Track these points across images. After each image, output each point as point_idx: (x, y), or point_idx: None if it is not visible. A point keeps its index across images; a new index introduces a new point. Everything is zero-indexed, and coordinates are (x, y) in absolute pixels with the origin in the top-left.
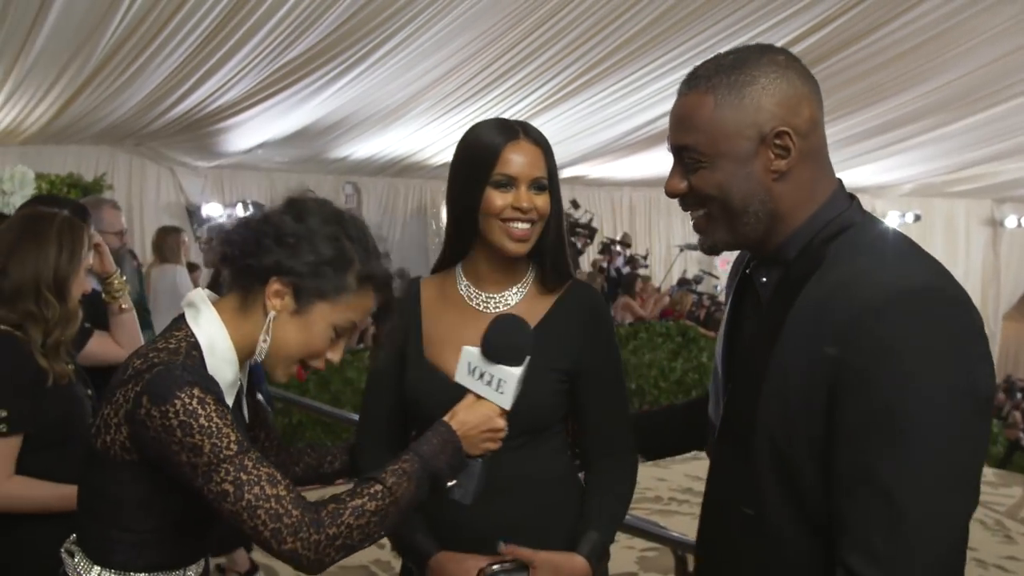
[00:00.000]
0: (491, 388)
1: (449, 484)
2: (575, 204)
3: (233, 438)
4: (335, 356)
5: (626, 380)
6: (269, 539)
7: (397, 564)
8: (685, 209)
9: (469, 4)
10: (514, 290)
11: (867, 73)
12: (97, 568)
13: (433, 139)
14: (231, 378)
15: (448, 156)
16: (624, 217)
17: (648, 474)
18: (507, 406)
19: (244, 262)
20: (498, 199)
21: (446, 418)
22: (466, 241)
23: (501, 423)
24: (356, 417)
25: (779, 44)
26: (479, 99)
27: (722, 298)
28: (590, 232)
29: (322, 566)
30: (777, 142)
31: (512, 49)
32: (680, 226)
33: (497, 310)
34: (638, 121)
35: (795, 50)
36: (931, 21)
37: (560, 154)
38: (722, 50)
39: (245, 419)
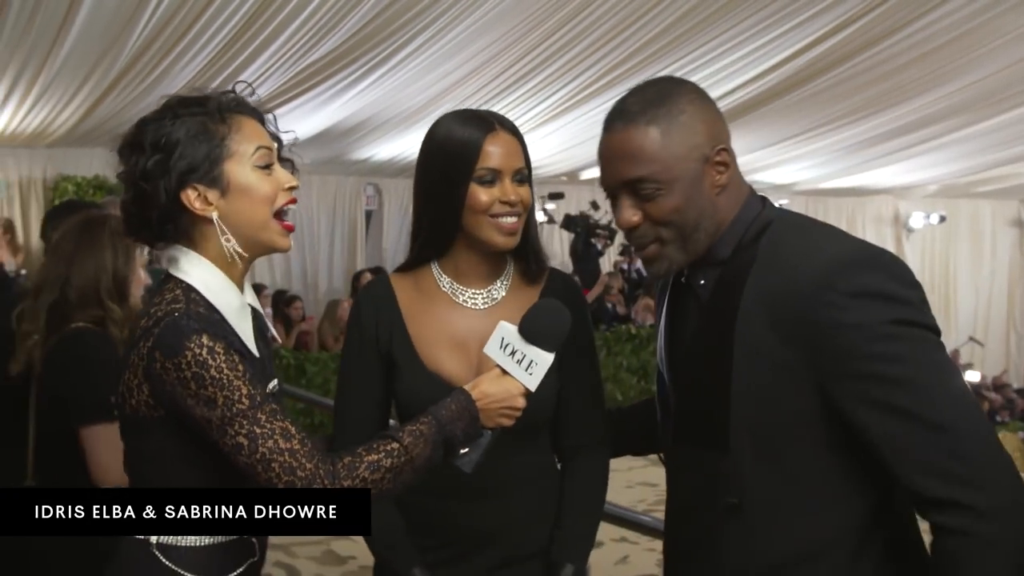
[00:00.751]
0: (520, 367)
1: (460, 452)
2: (595, 205)
3: (245, 391)
4: (290, 180)
5: (614, 378)
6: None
7: None
8: (637, 244)
9: (490, 6)
10: (498, 284)
11: (891, 73)
12: None
13: None
14: (237, 303)
15: None
16: None
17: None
18: (533, 388)
19: (155, 219)
20: (483, 195)
21: (468, 386)
22: (447, 239)
23: (522, 402)
24: None
25: (798, 46)
26: (500, 101)
27: None
28: (610, 233)
29: None
30: (718, 159)
31: (533, 51)
32: None
33: (486, 306)
34: None
35: (818, 50)
36: (955, 21)
37: (581, 156)
38: (738, 54)
39: (267, 344)
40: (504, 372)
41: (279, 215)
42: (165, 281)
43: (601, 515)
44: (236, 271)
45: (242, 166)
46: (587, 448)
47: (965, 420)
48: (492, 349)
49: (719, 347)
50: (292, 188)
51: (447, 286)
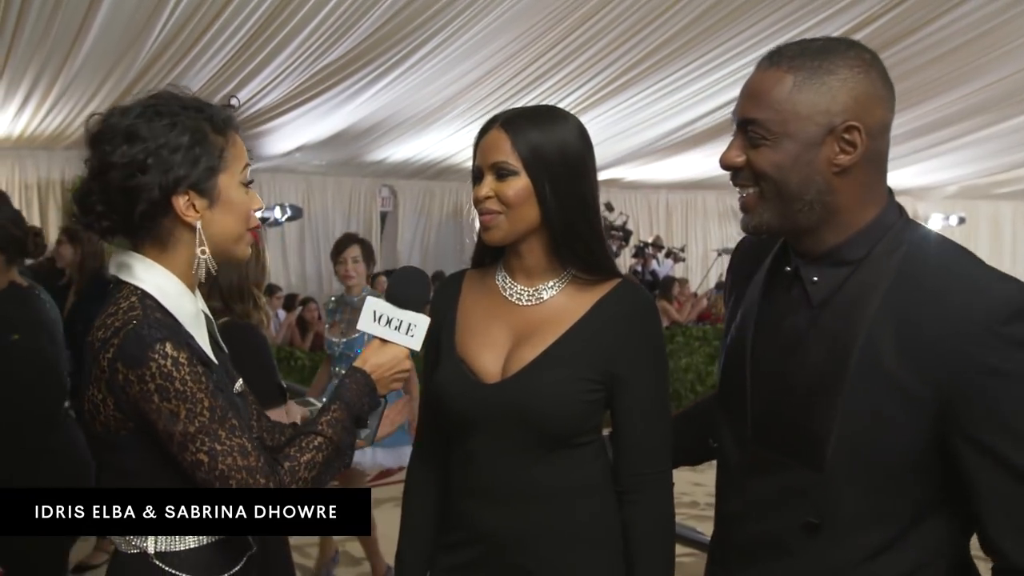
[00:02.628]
0: (401, 332)
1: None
2: (609, 207)
3: (207, 403)
4: (258, 202)
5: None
6: None
7: None
8: (736, 184)
9: (504, 8)
10: (550, 284)
11: (909, 73)
12: (151, 536)
13: (468, 142)
14: (192, 309)
15: None
16: (661, 220)
17: (684, 479)
18: (418, 347)
19: (137, 214)
20: (474, 194)
21: (357, 363)
22: None
23: (409, 363)
24: None
25: None
26: (515, 102)
27: None
28: (625, 235)
29: None
30: (845, 136)
31: (547, 53)
32: (717, 229)
33: (530, 303)
34: (676, 123)
35: None
36: (974, 21)
37: (597, 156)
38: (757, 53)
39: (223, 348)
40: (384, 342)
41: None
42: (116, 288)
43: (672, 565)
44: (191, 279)
45: (232, 180)
46: (649, 481)
47: None
48: (366, 324)
49: (833, 359)
50: (258, 209)
51: (500, 280)
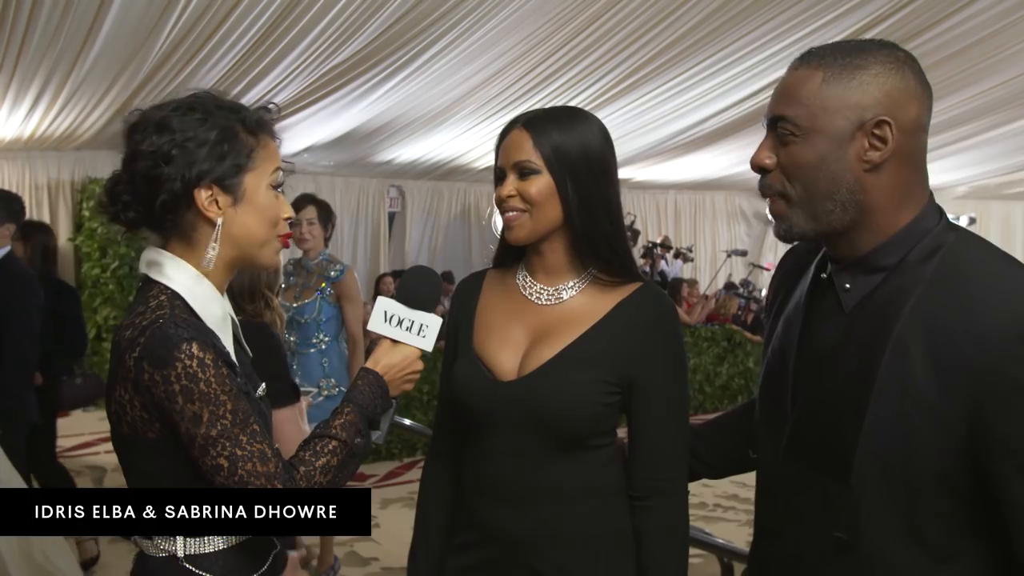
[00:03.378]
0: (412, 333)
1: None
2: None
3: (230, 407)
4: (288, 211)
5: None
6: None
7: None
8: (766, 193)
9: (511, 10)
10: (570, 284)
11: None
12: (179, 537)
13: (476, 143)
14: (220, 312)
15: (491, 160)
16: (669, 220)
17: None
18: (429, 348)
19: (158, 204)
20: (495, 194)
21: (369, 364)
22: None
23: (420, 365)
24: (400, 419)
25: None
26: (522, 103)
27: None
28: (633, 234)
29: None
30: (876, 131)
31: (555, 54)
32: (726, 230)
33: (549, 303)
34: (685, 123)
35: None
36: (986, 20)
37: None
38: (765, 54)
39: (247, 351)
40: (395, 342)
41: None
42: (146, 286)
43: (685, 569)
44: (218, 280)
45: (260, 182)
46: (662, 489)
47: None
48: (377, 325)
49: (861, 370)
50: (288, 219)
51: (521, 279)
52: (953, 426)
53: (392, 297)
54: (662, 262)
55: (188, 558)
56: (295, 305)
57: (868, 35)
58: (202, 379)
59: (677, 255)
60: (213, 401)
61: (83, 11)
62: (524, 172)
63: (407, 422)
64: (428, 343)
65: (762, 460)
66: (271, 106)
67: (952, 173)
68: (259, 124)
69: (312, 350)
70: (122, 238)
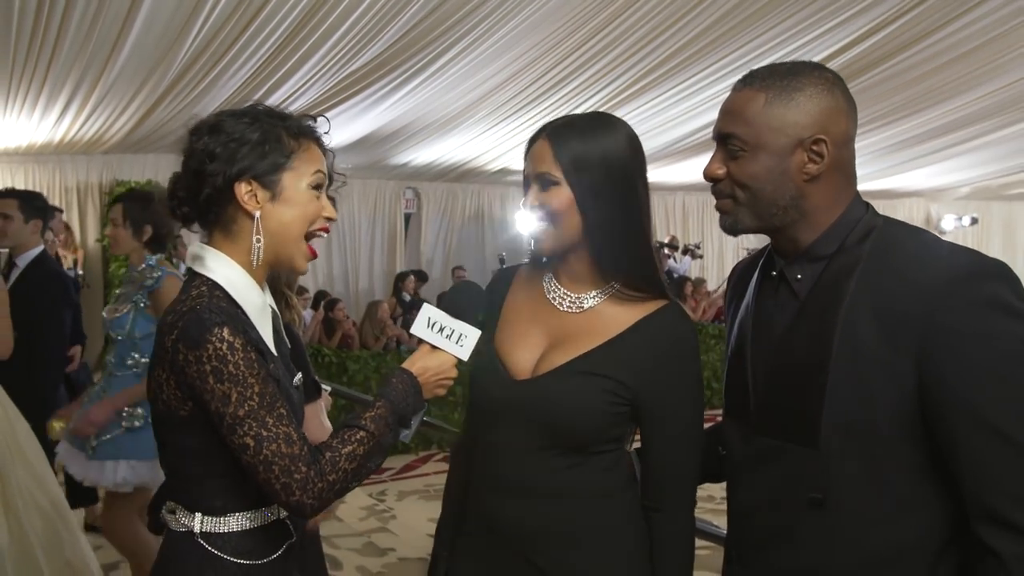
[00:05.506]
0: (451, 341)
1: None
2: None
3: (257, 389)
4: (330, 211)
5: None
6: (279, 491)
7: None
8: (717, 195)
9: (526, 15)
10: (592, 294)
11: (924, 76)
12: (199, 515)
13: (490, 145)
14: (259, 302)
15: (505, 162)
16: (677, 221)
17: None
18: (466, 357)
19: (203, 198)
20: (524, 202)
21: (406, 364)
22: None
23: (455, 372)
24: None
25: (835, 48)
26: (534, 107)
27: None
28: None
29: (320, 510)
30: (814, 147)
31: (567, 59)
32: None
33: (571, 310)
34: (693, 126)
35: (851, 54)
36: (991, 23)
37: None
38: (775, 56)
39: (286, 343)
40: (434, 348)
41: (309, 237)
42: (191, 279)
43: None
44: (258, 273)
45: (299, 181)
46: (669, 504)
47: None
48: (419, 329)
49: (818, 344)
50: (330, 219)
51: (547, 283)
52: (904, 378)
53: (437, 305)
54: (670, 260)
55: (204, 535)
56: (109, 318)
57: (874, 39)
58: (231, 361)
59: (685, 251)
60: (241, 383)
61: (111, 19)
62: (545, 183)
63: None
64: (466, 352)
65: (731, 450)
66: (321, 120)
67: (955, 174)
68: (302, 130)
69: (128, 372)
70: None
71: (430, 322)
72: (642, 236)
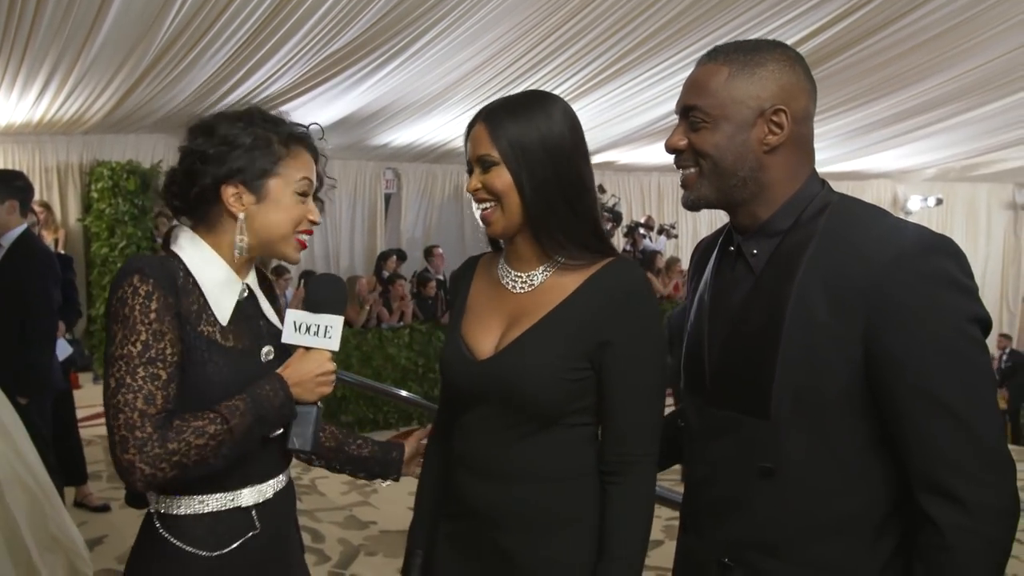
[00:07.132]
0: (319, 337)
1: (292, 438)
2: (601, 189)
3: (143, 338)
4: (315, 215)
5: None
6: (117, 443)
7: None
8: (679, 165)
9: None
10: (540, 270)
11: (890, 61)
12: (161, 495)
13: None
14: (220, 277)
15: None
16: (653, 202)
17: None
18: (336, 347)
19: (192, 195)
20: (467, 186)
21: (279, 369)
22: None
23: (332, 366)
24: (396, 391)
25: (804, 33)
26: (511, 89)
27: None
28: (615, 216)
29: (152, 482)
30: (773, 118)
31: (543, 41)
32: (707, 211)
33: (523, 290)
34: (668, 107)
35: (819, 40)
36: (954, 9)
37: (590, 141)
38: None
39: (268, 319)
40: (307, 350)
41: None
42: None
43: (645, 547)
44: (238, 261)
45: (285, 187)
46: (632, 464)
47: (990, 423)
48: (288, 336)
49: (771, 316)
50: (314, 222)
51: (501, 268)
52: (852, 350)
53: (298, 308)
54: (645, 240)
55: (159, 515)
56: None
57: (843, 24)
58: (129, 304)
59: (660, 231)
60: (129, 327)
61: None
62: (485, 165)
63: (404, 393)
64: (334, 343)
65: (688, 422)
66: (313, 126)
67: (921, 156)
68: (292, 138)
69: None
70: (129, 219)
71: (296, 325)
72: (581, 205)
